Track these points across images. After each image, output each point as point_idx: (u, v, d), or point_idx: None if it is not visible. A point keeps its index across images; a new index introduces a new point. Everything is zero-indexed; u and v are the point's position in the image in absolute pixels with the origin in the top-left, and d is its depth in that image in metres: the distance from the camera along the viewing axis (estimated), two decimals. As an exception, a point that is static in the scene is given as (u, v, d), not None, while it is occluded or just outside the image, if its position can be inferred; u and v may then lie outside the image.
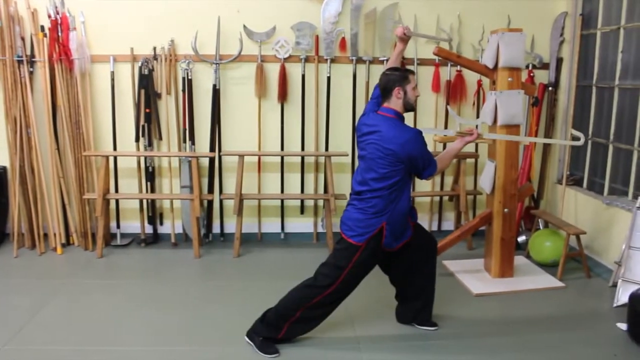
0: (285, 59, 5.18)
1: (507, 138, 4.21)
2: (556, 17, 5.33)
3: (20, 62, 4.93)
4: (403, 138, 3.16)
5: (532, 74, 5.39)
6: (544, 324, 3.75)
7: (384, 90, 3.30)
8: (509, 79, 4.22)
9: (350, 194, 3.38)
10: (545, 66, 5.44)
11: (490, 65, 4.28)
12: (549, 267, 4.70)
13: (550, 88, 5.40)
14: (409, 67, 5.25)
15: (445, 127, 5.37)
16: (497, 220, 4.42)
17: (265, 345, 3.31)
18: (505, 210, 4.39)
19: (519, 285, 4.36)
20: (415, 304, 3.63)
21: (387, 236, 3.25)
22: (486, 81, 5.07)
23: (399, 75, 3.28)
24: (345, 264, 3.25)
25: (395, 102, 3.27)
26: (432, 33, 5.23)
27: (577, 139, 4.01)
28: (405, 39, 3.71)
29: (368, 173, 3.24)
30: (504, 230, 4.42)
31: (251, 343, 3.35)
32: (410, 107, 3.32)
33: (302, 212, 5.47)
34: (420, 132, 3.24)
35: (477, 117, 5.26)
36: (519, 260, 4.79)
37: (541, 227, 5.22)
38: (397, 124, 3.23)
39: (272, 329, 3.34)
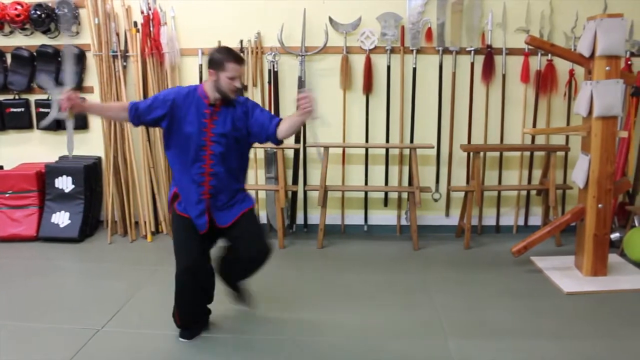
0: (371, 50, 5.15)
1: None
2: (657, 0, 5.05)
3: (114, 57, 5.12)
4: None
5: (629, 62, 5.11)
6: (643, 326, 3.57)
7: None
8: (607, 68, 4.03)
9: None
10: (644, 54, 5.17)
11: (587, 54, 4.09)
12: (646, 266, 4.48)
13: (650, 77, 5.12)
14: (497, 57, 5.12)
15: (534, 122, 5.20)
16: (591, 216, 4.24)
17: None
18: (600, 205, 4.21)
19: (614, 284, 4.17)
20: None
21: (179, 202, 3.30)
22: (578, 71, 4.87)
23: (218, 59, 3.12)
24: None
25: (208, 83, 3.19)
26: (522, 24, 5.07)
27: None
28: None
29: None
30: (597, 226, 4.24)
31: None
32: (222, 94, 3.15)
33: (385, 204, 5.44)
34: (170, 91, 3.24)
35: (569, 109, 5.09)
36: (613, 258, 4.59)
37: (637, 224, 4.97)
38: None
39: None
